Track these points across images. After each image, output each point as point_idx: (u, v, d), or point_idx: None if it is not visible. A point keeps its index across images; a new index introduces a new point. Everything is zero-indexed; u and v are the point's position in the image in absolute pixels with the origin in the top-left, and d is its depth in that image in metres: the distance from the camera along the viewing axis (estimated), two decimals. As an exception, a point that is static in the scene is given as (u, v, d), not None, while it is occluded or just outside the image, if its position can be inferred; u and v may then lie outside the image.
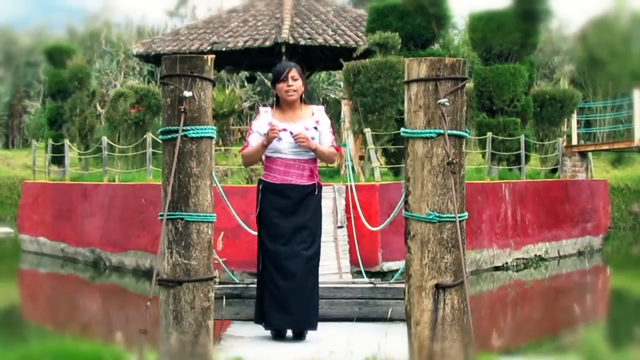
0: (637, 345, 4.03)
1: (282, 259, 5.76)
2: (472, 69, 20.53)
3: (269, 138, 5.73)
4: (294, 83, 5.81)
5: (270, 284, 5.80)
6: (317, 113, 5.93)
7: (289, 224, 5.80)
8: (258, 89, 33.42)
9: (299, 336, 5.89)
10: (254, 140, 5.87)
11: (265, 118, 5.91)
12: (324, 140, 5.88)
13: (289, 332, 5.98)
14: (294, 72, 5.83)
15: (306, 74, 24.11)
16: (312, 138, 5.81)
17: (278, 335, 5.94)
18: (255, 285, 6.30)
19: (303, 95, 5.94)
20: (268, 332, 6.02)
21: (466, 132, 4.38)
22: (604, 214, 20.61)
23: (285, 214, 5.82)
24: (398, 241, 11.08)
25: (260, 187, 5.93)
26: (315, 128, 5.86)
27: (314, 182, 5.89)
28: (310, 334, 5.93)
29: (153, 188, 15.26)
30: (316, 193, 5.89)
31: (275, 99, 5.99)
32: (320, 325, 5.92)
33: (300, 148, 5.80)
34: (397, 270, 9.12)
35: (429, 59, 4.31)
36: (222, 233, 12.57)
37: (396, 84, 14.99)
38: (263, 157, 6.03)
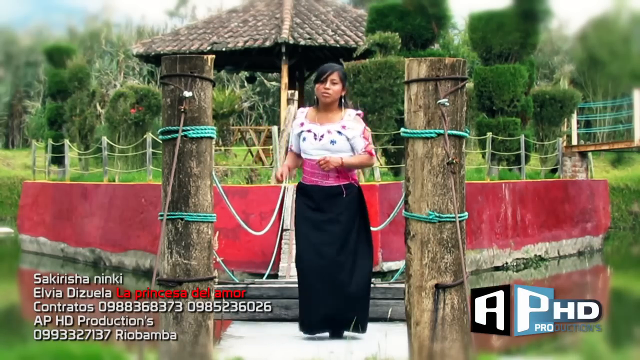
0: (637, 345, 4.03)
1: (310, 259, 5.75)
2: (472, 69, 20.54)
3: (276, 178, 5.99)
4: (332, 87, 5.77)
5: (301, 285, 5.84)
6: (346, 117, 5.82)
7: (316, 225, 5.80)
8: (258, 89, 33.40)
9: (336, 334, 5.84)
10: (293, 140, 6.00)
11: (299, 119, 5.96)
12: (356, 146, 5.80)
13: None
14: (335, 76, 5.79)
15: (306, 74, 24.15)
16: (333, 142, 5.75)
17: (310, 332, 5.87)
18: (254, 286, 6.29)
19: (344, 99, 5.87)
20: (268, 332, 6.00)
21: (466, 132, 4.38)
22: (604, 214, 20.61)
23: (312, 215, 5.82)
24: (398, 241, 11.07)
25: (296, 187, 6.03)
26: (339, 132, 5.77)
27: (341, 183, 5.80)
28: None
29: (153, 188, 15.25)
30: (345, 194, 5.80)
31: (315, 97, 5.95)
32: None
33: (323, 149, 5.77)
34: (397, 270, 9.12)
35: (429, 59, 4.32)
36: (217, 232, 12.55)
37: (396, 84, 14.99)
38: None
